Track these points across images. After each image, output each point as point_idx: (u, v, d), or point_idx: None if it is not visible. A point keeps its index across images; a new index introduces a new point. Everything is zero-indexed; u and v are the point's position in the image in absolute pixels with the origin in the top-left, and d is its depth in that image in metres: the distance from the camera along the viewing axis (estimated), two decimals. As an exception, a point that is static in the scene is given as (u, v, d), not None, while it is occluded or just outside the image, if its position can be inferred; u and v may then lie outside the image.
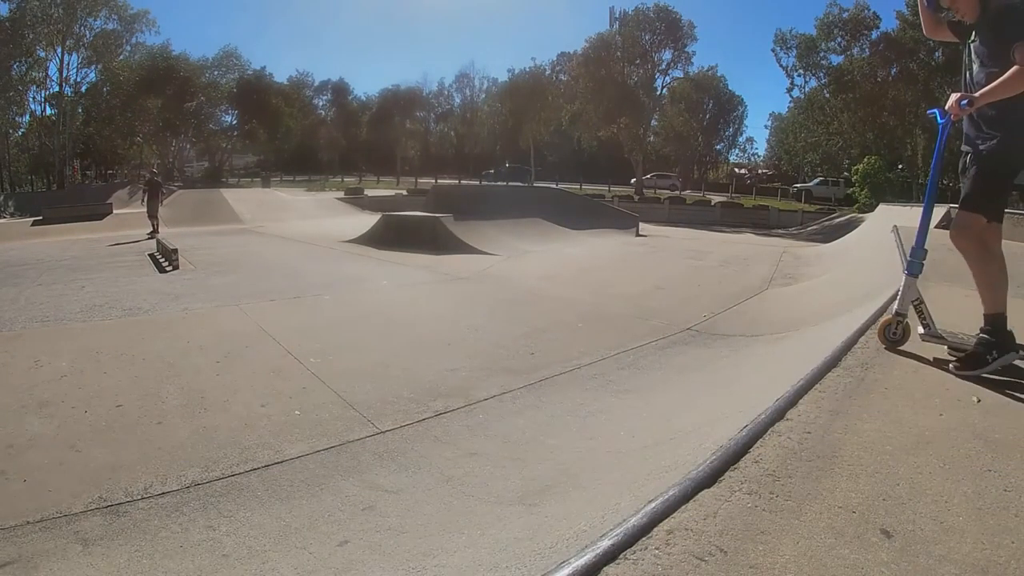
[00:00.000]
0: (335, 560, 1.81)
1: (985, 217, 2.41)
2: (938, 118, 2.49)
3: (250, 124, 39.46)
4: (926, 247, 2.56)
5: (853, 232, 12.46)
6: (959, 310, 3.77)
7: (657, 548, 1.25)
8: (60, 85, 32.42)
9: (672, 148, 44.40)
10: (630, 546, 1.25)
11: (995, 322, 2.44)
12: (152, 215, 13.96)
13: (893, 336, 2.63)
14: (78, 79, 33.76)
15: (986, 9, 2.39)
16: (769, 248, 10.62)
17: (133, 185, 26.29)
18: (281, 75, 53.04)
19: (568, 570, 1.18)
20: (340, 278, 6.95)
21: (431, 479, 2.34)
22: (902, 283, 2.57)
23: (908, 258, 2.53)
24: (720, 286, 6.44)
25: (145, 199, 14.38)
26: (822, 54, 34.72)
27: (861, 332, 3.01)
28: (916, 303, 2.54)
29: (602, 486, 2.03)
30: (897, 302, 2.60)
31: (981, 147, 2.41)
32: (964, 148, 2.51)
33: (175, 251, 8.40)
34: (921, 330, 2.56)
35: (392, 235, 9.97)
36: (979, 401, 2.22)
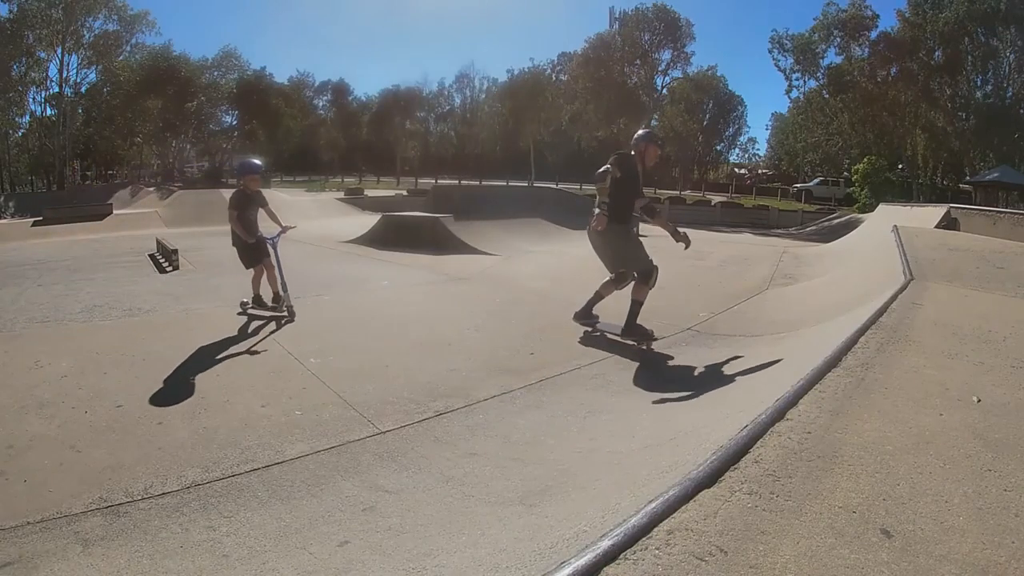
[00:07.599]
0: (335, 560, 1.81)
1: None
2: None
3: (250, 124, 39.41)
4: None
5: (853, 232, 12.45)
6: (958, 309, 3.78)
7: (657, 548, 1.25)
8: (60, 86, 32.44)
9: (672, 148, 44.41)
10: (630, 546, 1.25)
11: None
12: None
13: None
14: (78, 80, 33.80)
15: None
16: (769, 248, 10.60)
17: (134, 185, 26.29)
18: (281, 75, 53.15)
19: (568, 570, 1.17)
20: (340, 278, 6.95)
21: (431, 479, 2.34)
22: None
23: None
24: (720, 286, 6.44)
25: None
26: (820, 54, 34.71)
27: (861, 332, 3.02)
28: None
29: (602, 486, 2.03)
30: None
31: None
32: None
33: (175, 251, 8.38)
34: None
35: (392, 235, 9.94)
36: (979, 401, 2.22)
